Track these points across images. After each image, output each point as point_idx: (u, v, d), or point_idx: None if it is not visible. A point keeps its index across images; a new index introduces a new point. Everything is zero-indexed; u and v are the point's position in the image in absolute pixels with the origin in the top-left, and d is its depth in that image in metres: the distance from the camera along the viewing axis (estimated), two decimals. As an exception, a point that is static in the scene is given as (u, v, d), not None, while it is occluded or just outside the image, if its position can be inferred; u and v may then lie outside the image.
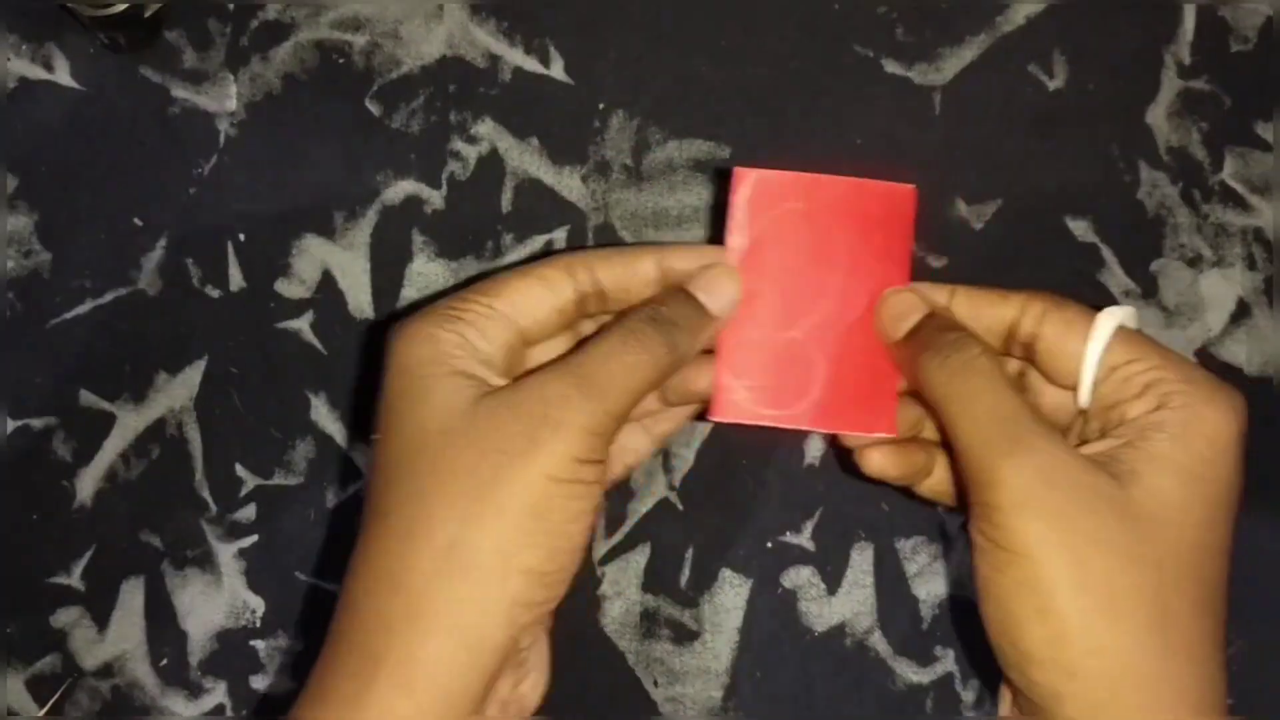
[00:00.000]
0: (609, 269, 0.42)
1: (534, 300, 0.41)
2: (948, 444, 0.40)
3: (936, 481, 0.44)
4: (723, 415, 0.42)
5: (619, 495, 0.49)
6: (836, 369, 0.43)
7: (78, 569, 0.49)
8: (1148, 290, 0.50)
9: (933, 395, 0.39)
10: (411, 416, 0.38)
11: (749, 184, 0.43)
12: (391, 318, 0.50)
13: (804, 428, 0.43)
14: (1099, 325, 0.39)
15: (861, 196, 0.43)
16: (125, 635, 0.49)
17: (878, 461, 0.42)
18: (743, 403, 0.42)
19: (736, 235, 0.43)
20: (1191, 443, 0.37)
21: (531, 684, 0.39)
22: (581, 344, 0.40)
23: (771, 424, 0.42)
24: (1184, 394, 0.38)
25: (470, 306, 0.40)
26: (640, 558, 0.49)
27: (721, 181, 0.51)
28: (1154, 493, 0.36)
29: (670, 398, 0.44)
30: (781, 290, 0.43)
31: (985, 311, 0.42)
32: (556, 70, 0.51)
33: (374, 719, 0.35)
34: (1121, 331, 0.39)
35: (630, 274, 0.42)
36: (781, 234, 0.43)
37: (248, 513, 0.49)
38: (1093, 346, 0.39)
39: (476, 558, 0.36)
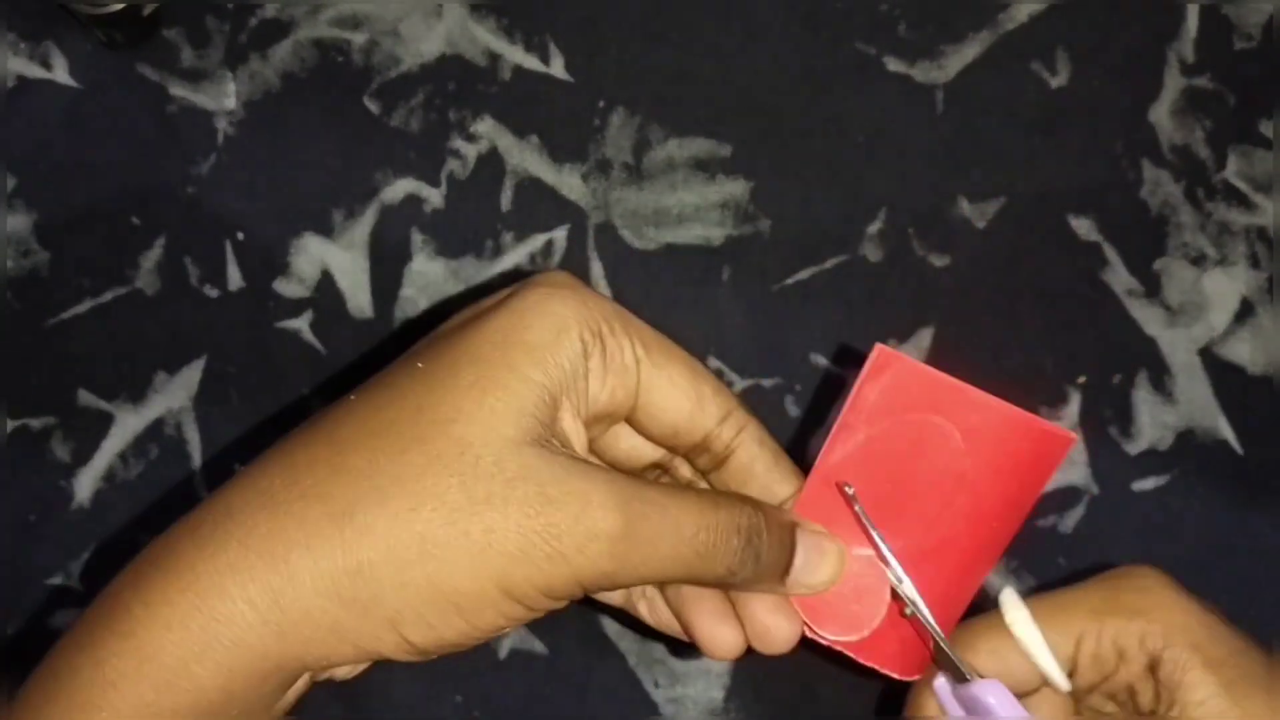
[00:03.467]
0: (755, 454, 0.37)
1: (673, 399, 0.36)
2: None
3: None
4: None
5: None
6: (898, 604, 0.38)
7: (76, 569, 0.49)
8: (1151, 289, 0.50)
9: None
10: (453, 396, 0.32)
11: (890, 370, 0.36)
12: (391, 318, 0.50)
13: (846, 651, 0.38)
14: (1021, 634, 0.37)
15: (1014, 430, 0.37)
16: (124, 636, 0.49)
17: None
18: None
19: (859, 427, 0.37)
20: (1213, 654, 0.36)
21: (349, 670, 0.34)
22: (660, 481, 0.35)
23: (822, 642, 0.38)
24: (1153, 632, 0.36)
25: (623, 344, 0.35)
26: (641, 558, 0.49)
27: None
28: None
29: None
30: (874, 500, 0.37)
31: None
32: (556, 68, 0.51)
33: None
34: (1030, 611, 0.38)
35: (764, 480, 0.37)
36: (901, 440, 0.37)
37: (247, 513, 0.49)
38: (1035, 648, 0.37)
39: (373, 602, 0.31)
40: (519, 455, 0.32)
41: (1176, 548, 0.48)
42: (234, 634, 0.31)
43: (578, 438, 0.34)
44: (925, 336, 0.50)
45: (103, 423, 0.49)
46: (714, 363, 0.50)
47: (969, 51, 0.51)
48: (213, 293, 0.50)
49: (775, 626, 0.37)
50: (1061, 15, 0.51)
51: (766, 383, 0.50)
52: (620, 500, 0.32)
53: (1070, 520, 0.49)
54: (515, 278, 0.50)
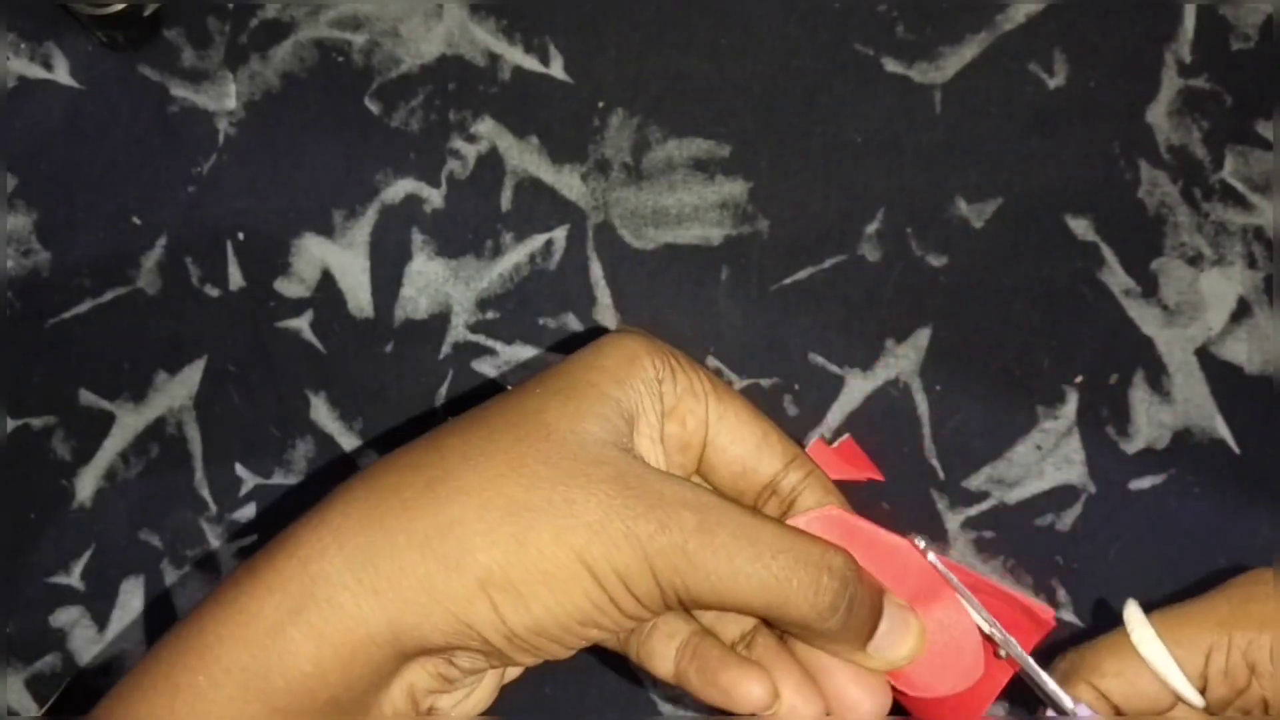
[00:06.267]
0: (822, 499, 0.37)
1: (737, 436, 0.37)
2: None
3: None
4: None
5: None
6: None
7: (77, 568, 0.49)
8: (1148, 289, 0.50)
9: None
10: (542, 404, 0.34)
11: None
12: (391, 318, 0.50)
13: None
14: (1149, 653, 0.37)
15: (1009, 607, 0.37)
16: (125, 635, 0.49)
17: None
18: None
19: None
20: None
21: (453, 701, 0.35)
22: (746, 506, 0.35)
23: None
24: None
25: (693, 376, 0.36)
26: (640, 557, 0.49)
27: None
28: None
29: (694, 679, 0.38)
30: None
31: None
32: (556, 69, 0.51)
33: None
34: (1156, 627, 0.37)
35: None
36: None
37: (247, 512, 0.49)
38: (1164, 667, 0.37)
39: (465, 561, 0.32)
40: (601, 447, 0.33)
41: (1173, 547, 0.48)
42: (329, 592, 0.32)
43: (656, 460, 0.35)
44: (923, 336, 0.50)
45: (104, 422, 0.49)
46: (713, 362, 0.50)
47: (967, 52, 0.51)
48: (213, 292, 0.50)
49: (859, 699, 0.36)
50: (1059, 16, 0.51)
51: (765, 382, 0.50)
52: (698, 502, 0.33)
53: (1067, 519, 0.49)
54: (515, 278, 0.50)
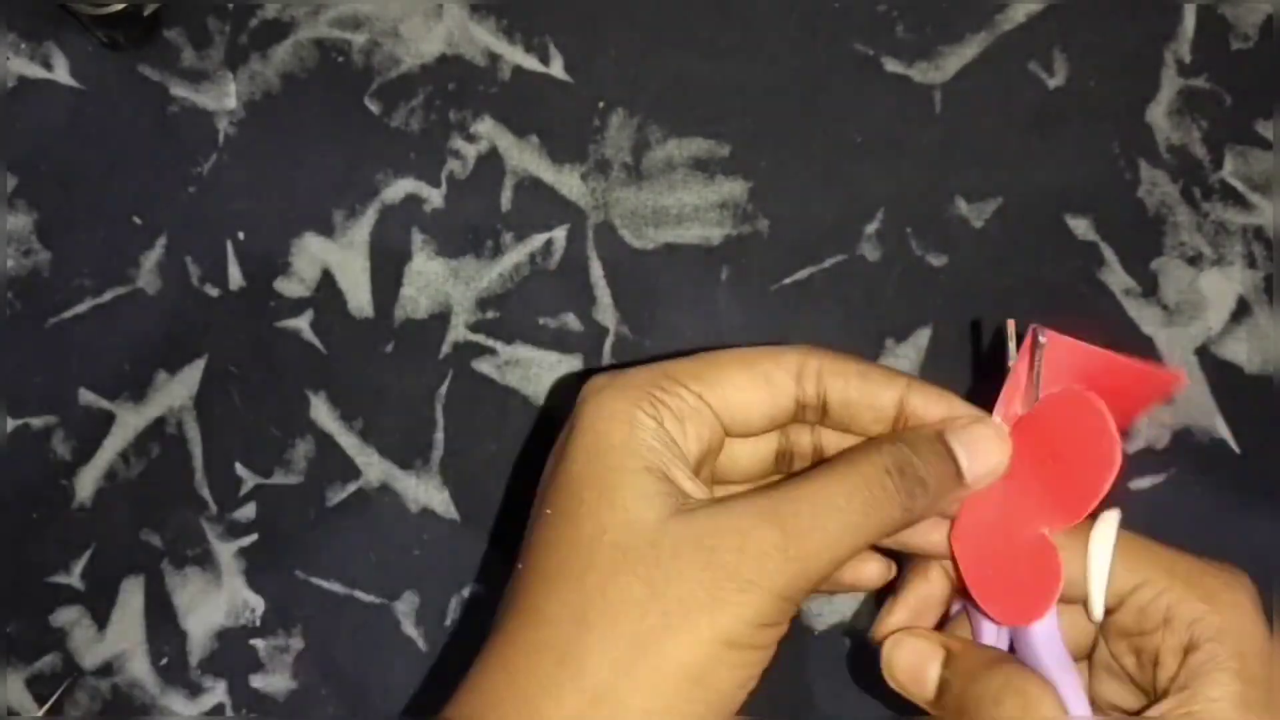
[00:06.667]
0: (843, 386, 0.37)
1: (749, 400, 0.37)
2: None
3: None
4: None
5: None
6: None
7: (77, 568, 0.49)
8: (1148, 288, 0.50)
9: None
10: (592, 514, 0.35)
11: (1053, 347, 0.36)
12: (391, 317, 0.50)
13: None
14: (1095, 549, 0.37)
15: (1131, 377, 0.37)
16: (125, 634, 0.49)
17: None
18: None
19: (1018, 402, 0.37)
20: (1251, 671, 0.35)
21: None
22: (794, 475, 0.36)
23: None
24: (1210, 620, 0.36)
25: (678, 393, 0.37)
26: (640, 557, 0.49)
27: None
28: None
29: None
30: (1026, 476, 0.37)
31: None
32: (556, 68, 0.51)
33: None
34: (1118, 537, 0.38)
35: (866, 401, 0.37)
36: (1053, 412, 0.37)
37: (247, 511, 0.49)
38: (1096, 567, 0.37)
39: (623, 716, 0.33)
40: (667, 531, 0.34)
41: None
42: None
43: (702, 492, 0.36)
44: (923, 336, 0.50)
45: (104, 421, 0.50)
46: (713, 362, 0.50)
47: (967, 52, 0.51)
48: (213, 292, 0.50)
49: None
50: (1059, 16, 0.51)
51: (765, 382, 0.50)
52: (767, 512, 0.34)
53: (1068, 519, 0.49)
54: (515, 278, 0.50)
